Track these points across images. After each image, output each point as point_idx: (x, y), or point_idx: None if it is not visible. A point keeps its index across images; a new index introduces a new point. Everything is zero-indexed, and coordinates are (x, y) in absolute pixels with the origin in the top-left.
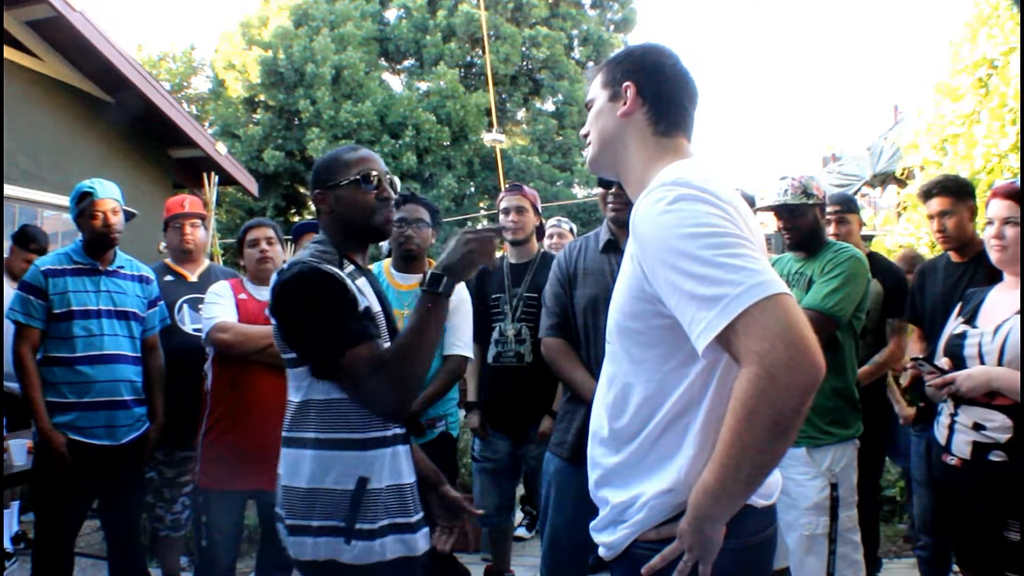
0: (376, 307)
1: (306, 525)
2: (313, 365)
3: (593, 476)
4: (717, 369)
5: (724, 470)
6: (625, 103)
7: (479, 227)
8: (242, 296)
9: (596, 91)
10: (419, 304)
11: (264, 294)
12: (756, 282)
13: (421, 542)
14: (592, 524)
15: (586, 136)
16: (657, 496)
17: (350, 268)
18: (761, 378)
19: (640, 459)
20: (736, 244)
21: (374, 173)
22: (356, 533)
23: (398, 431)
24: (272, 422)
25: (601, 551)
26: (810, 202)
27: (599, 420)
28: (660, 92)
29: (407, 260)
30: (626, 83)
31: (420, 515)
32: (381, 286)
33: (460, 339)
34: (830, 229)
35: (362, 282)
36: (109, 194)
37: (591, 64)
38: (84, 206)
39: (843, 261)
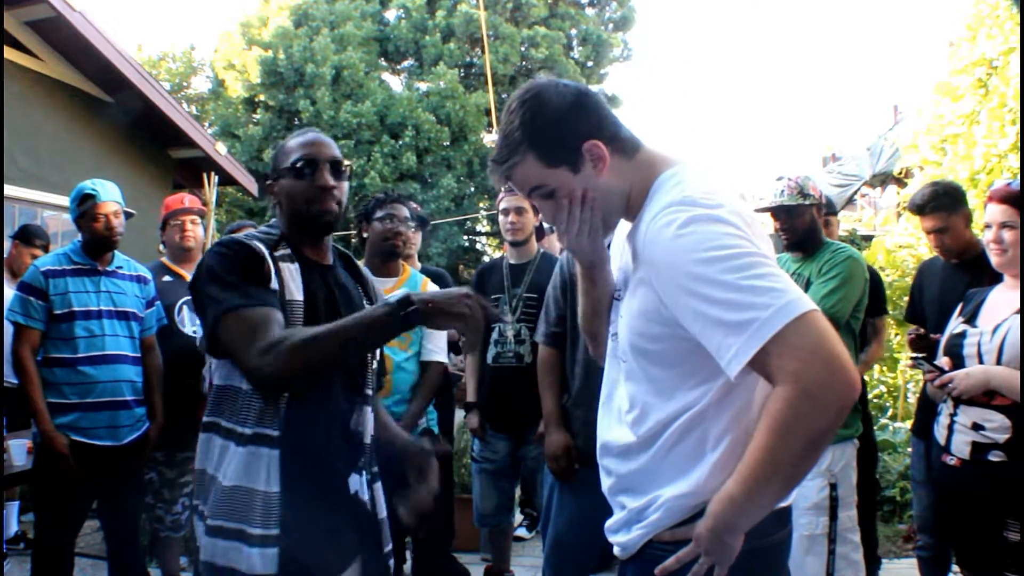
0: (296, 296)
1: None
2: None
3: (608, 482)
4: (735, 382)
5: (754, 483)
6: (596, 163)
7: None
8: None
9: (545, 175)
10: (374, 311)
11: None
12: (785, 302)
13: (256, 561)
14: (607, 525)
15: (559, 226)
16: (675, 499)
17: (284, 252)
18: (799, 397)
19: (656, 466)
20: (757, 264)
21: (313, 159)
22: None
23: (272, 433)
24: None
25: (616, 550)
26: (807, 202)
27: (611, 432)
28: (608, 123)
29: (387, 257)
30: (586, 144)
31: (270, 531)
32: (338, 282)
33: (437, 344)
34: None
35: (291, 267)
36: (111, 196)
37: (590, 64)
38: (86, 208)
39: (841, 262)
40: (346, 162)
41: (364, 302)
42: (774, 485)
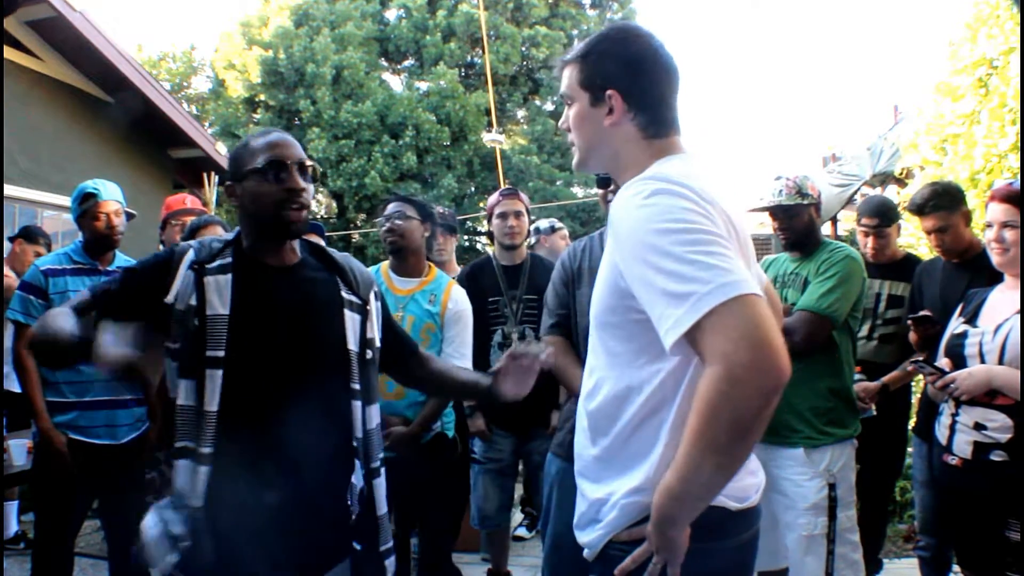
0: (220, 310)
1: None
2: None
3: (576, 464)
4: (690, 367)
5: (685, 471)
6: (610, 112)
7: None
8: None
9: (574, 89)
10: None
11: None
12: (725, 281)
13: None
14: (575, 521)
15: (568, 131)
16: (627, 495)
17: (222, 262)
18: (724, 379)
19: (614, 454)
20: (710, 242)
21: (282, 160)
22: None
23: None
24: None
25: (584, 552)
26: (805, 202)
27: (581, 411)
28: (647, 95)
29: (394, 255)
30: (610, 91)
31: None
32: (300, 283)
33: (457, 349)
34: (867, 244)
35: (220, 280)
36: (112, 196)
37: None
38: (87, 207)
39: (838, 261)
40: (309, 162)
41: (343, 292)
42: (705, 472)
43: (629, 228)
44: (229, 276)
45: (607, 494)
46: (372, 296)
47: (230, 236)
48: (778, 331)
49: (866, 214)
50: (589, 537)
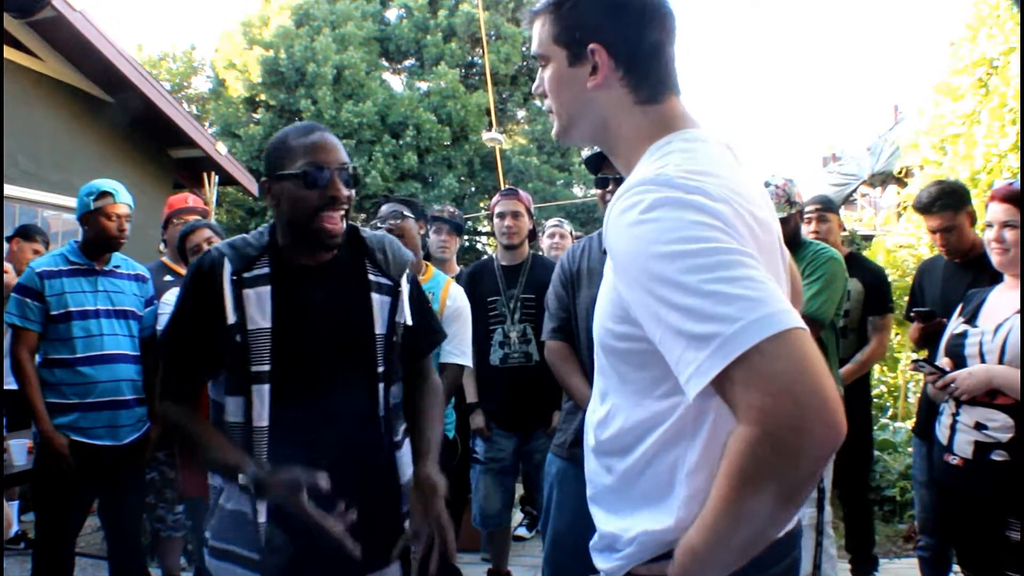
0: (261, 323)
1: None
2: None
3: (588, 489)
4: (714, 400)
5: (715, 536)
6: (594, 71)
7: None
8: None
9: (548, 46)
10: (236, 462)
11: None
12: (757, 316)
13: None
14: (591, 543)
15: (543, 96)
16: (646, 533)
17: (259, 272)
18: (763, 443)
19: (628, 486)
20: (731, 263)
21: (322, 166)
22: (205, 542)
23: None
24: None
25: None
26: (793, 211)
27: (590, 434)
28: (638, 49)
29: None
30: (592, 45)
31: (260, 556)
32: (334, 281)
33: (458, 347)
34: (809, 227)
35: (260, 292)
36: (125, 199)
37: None
38: (103, 204)
39: (823, 263)
40: (350, 166)
41: (370, 274)
42: (739, 540)
43: (627, 251)
44: (268, 288)
45: (622, 530)
46: (404, 279)
47: (264, 236)
48: (828, 373)
49: (810, 203)
50: (607, 565)
